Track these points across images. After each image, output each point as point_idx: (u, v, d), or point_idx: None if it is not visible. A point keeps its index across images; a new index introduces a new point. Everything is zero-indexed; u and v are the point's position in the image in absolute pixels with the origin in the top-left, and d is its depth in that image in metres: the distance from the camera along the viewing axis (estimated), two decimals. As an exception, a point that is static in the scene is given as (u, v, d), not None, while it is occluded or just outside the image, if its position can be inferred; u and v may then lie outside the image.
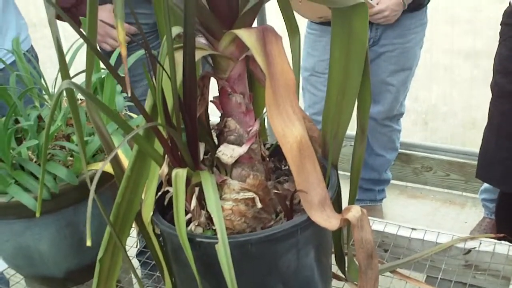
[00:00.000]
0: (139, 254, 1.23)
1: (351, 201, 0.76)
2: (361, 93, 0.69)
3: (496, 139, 1.72)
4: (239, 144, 0.68)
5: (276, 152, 0.78)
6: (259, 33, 0.62)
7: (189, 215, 0.66)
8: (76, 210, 0.90)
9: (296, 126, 0.60)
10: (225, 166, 0.69)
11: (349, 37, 0.65)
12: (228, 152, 0.68)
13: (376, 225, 1.08)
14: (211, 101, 0.70)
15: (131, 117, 1.01)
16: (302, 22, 2.14)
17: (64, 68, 0.61)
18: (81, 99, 1.00)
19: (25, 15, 1.75)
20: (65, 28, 1.00)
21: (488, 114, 1.75)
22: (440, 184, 2.64)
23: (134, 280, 1.11)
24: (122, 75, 0.57)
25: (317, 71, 2.17)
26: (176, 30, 0.65)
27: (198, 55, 0.62)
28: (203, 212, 0.66)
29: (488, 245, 1.00)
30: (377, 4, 1.94)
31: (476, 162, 1.86)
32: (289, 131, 0.60)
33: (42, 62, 1.58)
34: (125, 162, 0.80)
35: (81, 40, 0.75)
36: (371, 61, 0.68)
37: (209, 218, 0.66)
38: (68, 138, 0.94)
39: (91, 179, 0.55)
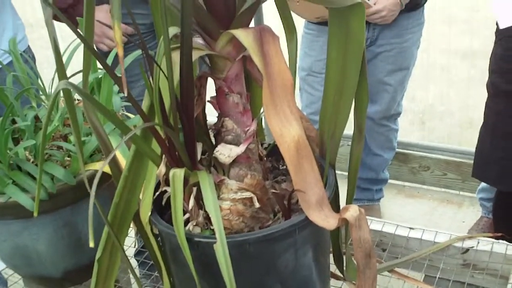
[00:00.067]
0: (137, 254, 1.24)
1: (349, 201, 0.76)
2: (358, 93, 0.69)
3: (491, 138, 1.72)
4: (237, 144, 0.68)
5: (274, 152, 0.78)
6: (256, 33, 0.62)
7: (187, 215, 0.66)
8: (74, 210, 0.90)
9: (293, 126, 0.60)
10: (222, 166, 0.69)
11: (347, 37, 0.65)
12: (225, 152, 0.68)
13: (374, 224, 1.08)
14: (208, 101, 0.70)
15: (128, 117, 1.01)
16: (299, 22, 2.15)
17: (61, 69, 0.61)
18: (78, 100, 1.00)
19: (21, 15, 1.75)
20: (62, 29, 1.00)
21: (484, 114, 1.76)
22: (437, 184, 2.64)
23: (133, 280, 1.11)
24: (119, 75, 0.57)
25: (314, 70, 2.17)
26: (173, 30, 0.65)
27: (195, 55, 0.62)
28: (201, 212, 0.66)
29: (486, 244, 1.00)
30: (375, 4, 1.94)
31: (473, 162, 1.86)
32: (287, 131, 0.60)
33: (39, 63, 1.58)
34: (123, 162, 0.79)
35: (78, 41, 0.75)
36: (368, 61, 0.68)
37: (207, 218, 0.66)
38: (65, 138, 0.94)
39: (89, 179, 0.55)
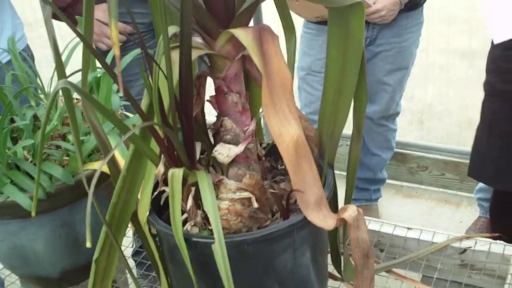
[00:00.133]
0: (135, 254, 1.23)
1: (347, 201, 0.76)
2: (357, 92, 0.69)
3: (488, 137, 1.72)
4: (236, 143, 0.68)
5: (272, 152, 0.78)
6: (256, 32, 0.62)
7: (185, 215, 0.66)
8: (72, 210, 0.90)
9: (292, 126, 0.60)
10: (221, 165, 0.69)
11: (346, 37, 0.65)
12: (224, 152, 0.67)
13: (372, 224, 1.08)
14: (207, 100, 0.70)
15: (127, 117, 1.01)
16: (299, 22, 2.15)
17: (60, 67, 0.61)
18: (77, 99, 1.00)
19: (21, 14, 1.75)
20: (60, 28, 1.00)
21: (481, 113, 1.76)
22: (435, 184, 2.64)
23: (130, 280, 1.11)
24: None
25: (314, 70, 2.17)
26: (172, 29, 0.65)
27: (195, 54, 0.62)
28: (199, 212, 0.66)
29: (484, 244, 1.01)
30: (374, 3, 1.94)
31: (469, 161, 1.86)
32: (286, 131, 0.60)
33: (37, 62, 1.58)
34: (121, 161, 0.79)
35: (77, 39, 0.75)
36: (367, 61, 0.68)
37: (205, 218, 0.66)
38: (64, 137, 0.94)
39: (87, 179, 0.55)
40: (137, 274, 1.19)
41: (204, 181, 0.61)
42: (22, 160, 0.87)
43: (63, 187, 0.86)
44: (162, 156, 0.65)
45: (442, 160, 2.58)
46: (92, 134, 0.80)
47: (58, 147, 0.91)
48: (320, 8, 1.87)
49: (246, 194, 0.67)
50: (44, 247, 0.90)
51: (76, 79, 0.73)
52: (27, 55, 1.12)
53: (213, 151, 0.68)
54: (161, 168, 0.65)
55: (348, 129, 0.69)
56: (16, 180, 0.86)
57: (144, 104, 0.66)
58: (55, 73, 0.61)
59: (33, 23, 3.67)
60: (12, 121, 0.94)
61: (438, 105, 3.29)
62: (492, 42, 1.69)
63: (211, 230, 0.62)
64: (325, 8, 0.65)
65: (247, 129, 0.68)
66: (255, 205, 0.67)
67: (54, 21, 0.64)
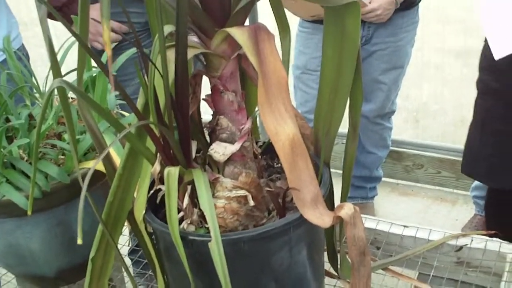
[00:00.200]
0: (131, 252, 1.23)
1: (343, 199, 0.76)
2: (353, 91, 0.69)
3: (481, 135, 1.73)
4: (231, 142, 0.68)
5: (269, 150, 0.78)
6: (252, 31, 0.62)
7: (181, 213, 0.66)
8: (68, 208, 0.89)
9: (288, 124, 0.60)
10: (217, 164, 0.69)
11: (342, 36, 0.65)
12: (220, 150, 0.68)
13: (369, 222, 1.09)
14: (203, 99, 0.70)
15: (122, 116, 1.01)
16: (294, 21, 2.15)
17: (55, 67, 0.61)
18: (72, 98, 1.00)
19: (16, 14, 1.75)
20: (56, 27, 1.00)
21: (473, 111, 1.76)
22: (431, 182, 2.65)
23: (127, 279, 1.11)
24: (114, 73, 0.57)
25: (309, 68, 2.18)
26: (168, 28, 0.65)
27: (190, 53, 0.62)
28: (196, 210, 0.66)
29: (480, 242, 1.01)
30: (370, 2, 1.94)
31: (462, 158, 1.87)
32: (282, 129, 0.60)
33: (33, 61, 1.58)
34: (117, 160, 0.79)
35: (72, 39, 0.74)
36: (363, 60, 0.68)
37: (202, 216, 0.66)
38: (59, 136, 0.94)
39: (83, 178, 0.55)
40: (134, 273, 1.19)
41: (200, 179, 0.61)
42: (17, 159, 0.87)
43: (59, 186, 0.86)
44: (158, 154, 0.65)
45: (438, 158, 2.59)
46: (88, 133, 0.80)
47: (53, 146, 0.91)
48: (316, 7, 1.87)
49: (242, 192, 0.67)
50: (40, 246, 0.90)
51: (72, 78, 0.73)
52: (22, 54, 1.11)
53: (209, 149, 0.68)
54: (157, 166, 0.65)
55: (344, 127, 0.69)
56: (11, 179, 0.85)
57: (139, 103, 0.66)
58: (50, 72, 0.61)
59: (28, 22, 3.66)
60: (7, 120, 0.94)
61: (433, 104, 3.30)
62: (486, 40, 1.69)
63: (207, 228, 0.62)
64: (321, 7, 0.66)
65: (243, 128, 0.68)
66: (251, 203, 0.67)
67: (50, 21, 0.64)
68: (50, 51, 0.59)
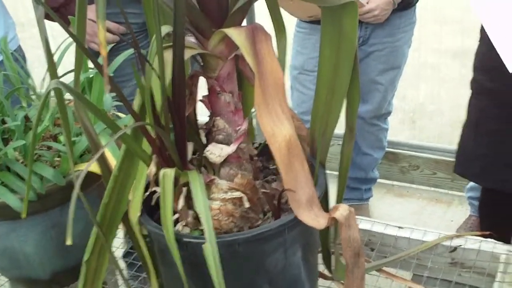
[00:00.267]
0: (126, 255, 1.23)
1: (339, 200, 0.77)
2: (350, 92, 0.69)
3: (475, 135, 1.73)
4: (228, 143, 0.68)
5: (264, 151, 0.78)
6: (249, 32, 0.62)
7: (176, 215, 0.66)
8: (63, 211, 0.89)
9: (285, 125, 0.60)
10: (213, 165, 0.69)
11: (339, 36, 0.65)
12: (216, 152, 0.68)
13: (363, 224, 1.09)
14: (200, 100, 0.70)
15: (119, 117, 1.01)
16: (291, 21, 2.15)
17: (52, 68, 0.61)
18: (68, 99, 1.00)
19: (13, 14, 1.74)
20: (53, 28, 0.99)
21: (467, 111, 1.76)
22: (426, 183, 2.65)
23: (120, 282, 1.11)
24: (111, 74, 0.57)
25: (306, 69, 2.18)
26: (165, 29, 0.65)
27: (188, 54, 0.62)
28: (191, 212, 0.66)
29: (474, 243, 1.01)
30: (367, 3, 1.94)
31: (455, 158, 1.87)
32: (278, 130, 0.60)
33: (30, 62, 1.57)
34: (113, 162, 0.79)
35: (69, 40, 0.75)
36: (360, 60, 0.68)
37: (197, 218, 0.66)
38: (55, 138, 0.93)
39: (79, 180, 0.55)
40: (128, 275, 1.19)
41: (196, 181, 0.61)
42: (13, 161, 0.86)
43: (54, 188, 0.86)
44: (154, 156, 0.65)
45: (433, 159, 2.59)
46: (84, 134, 0.79)
47: (49, 148, 0.91)
48: (314, 7, 1.87)
49: (237, 194, 0.67)
50: (35, 248, 0.90)
51: (68, 79, 0.73)
52: (19, 56, 1.11)
53: (205, 151, 0.68)
54: (152, 168, 0.65)
55: (340, 128, 0.69)
56: (6, 181, 0.85)
57: (136, 104, 0.66)
58: (47, 74, 0.61)
59: (26, 23, 3.65)
60: (3, 122, 0.94)
61: (430, 105, 3.31)
62: (480, 40, 1.69)
63: (202, 230, 0.62)
64: (318, 7, 0.66)
65: (239, 129, 0.68)
66: (247, 205, 0.67)
67: (47, 21, 0.64)
68: (47, 52, 0.59)
